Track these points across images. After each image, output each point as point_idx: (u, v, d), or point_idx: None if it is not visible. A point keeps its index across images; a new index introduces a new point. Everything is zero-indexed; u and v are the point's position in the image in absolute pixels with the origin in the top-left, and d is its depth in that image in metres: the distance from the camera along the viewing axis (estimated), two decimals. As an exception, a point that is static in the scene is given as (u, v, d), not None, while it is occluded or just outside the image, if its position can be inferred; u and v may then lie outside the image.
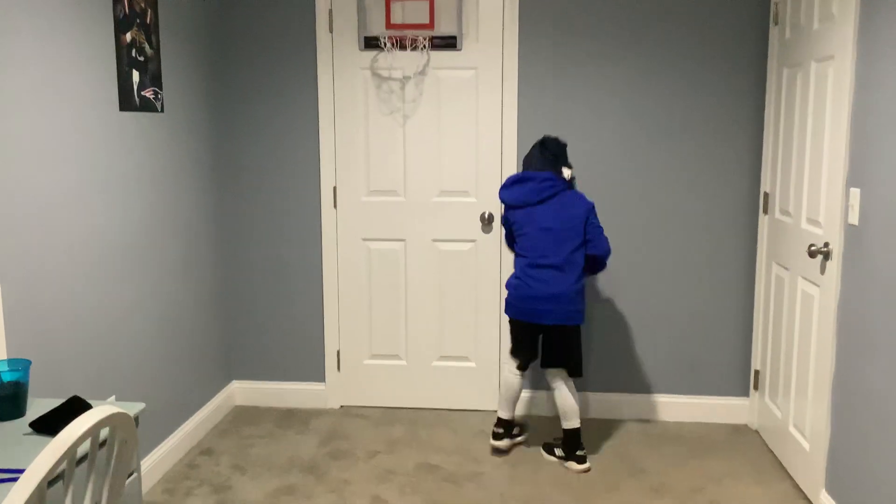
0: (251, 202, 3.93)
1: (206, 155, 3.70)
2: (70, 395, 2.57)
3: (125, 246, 2.96)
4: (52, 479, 1.55)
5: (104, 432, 1.62)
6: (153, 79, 3.13)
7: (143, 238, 3.09)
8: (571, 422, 3.28)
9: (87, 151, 2.69)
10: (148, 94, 3.09)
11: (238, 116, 3.87)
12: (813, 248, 2.88)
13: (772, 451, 3.48)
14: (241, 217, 3.94)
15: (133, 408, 1.83)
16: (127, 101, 2.93)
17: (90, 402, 1.89)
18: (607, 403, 3.87)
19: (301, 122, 3.84)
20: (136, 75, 2.98)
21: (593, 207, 3.25)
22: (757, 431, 3.71)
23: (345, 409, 4.00)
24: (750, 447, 3.55)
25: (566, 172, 3.29)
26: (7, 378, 1.82)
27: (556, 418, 3.77)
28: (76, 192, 2.63)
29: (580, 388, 3.84)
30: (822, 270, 2.88)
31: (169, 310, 3.33)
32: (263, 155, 3.89)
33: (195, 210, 3.58)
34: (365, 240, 3.92)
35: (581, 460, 3.27)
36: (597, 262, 3.27)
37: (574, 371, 3.30)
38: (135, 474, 1.88)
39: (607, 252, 3.23)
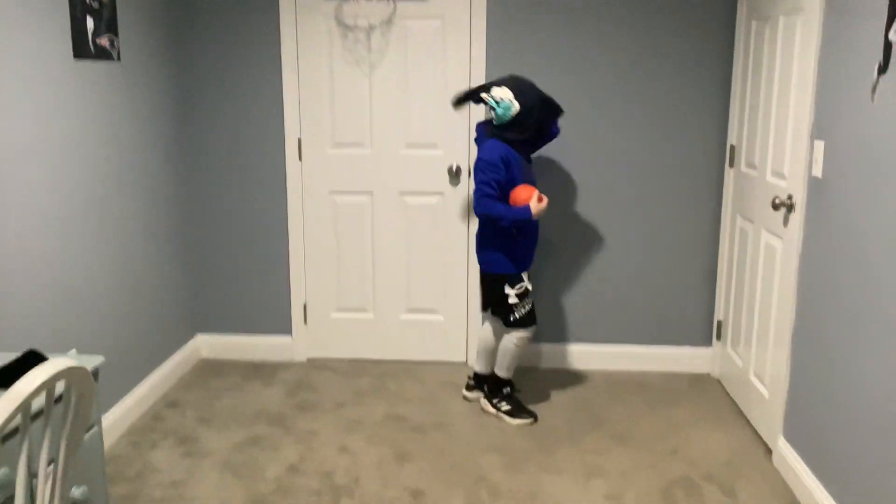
0: (214, 153, 3.85)
1: (167, 105, 3.60)
2: (28, 348, 2.53)
3: (84, 197, 2.88)
4: (7, 435, 1.53)
5: (60, 386, 1.60)
6: (109, 26, 3.02)
7: (103, 188, 3.02)
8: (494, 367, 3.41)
9: (41, 102, 2.60)
10: (103, 42, 2.98)
11: (199, 65, 3.76)
12: (777, 200, 2.90)
13: (733, 400, 3.56)
14: (204, 168, 3.87)
15: (91, 361, 1.80)
16: (81, 50, 2.83)
17: (48, 355, 1.85)
18: (572, 354, 3.92)
19: (264, 72, 3.75)
20: (90, 22, 2.87)
21: (481, 162, 3.09)
22: (719, 380, 3.79)
23: (312, 362, 4.00)
24: (712, 396, 3.63)
25: (496, 103, 3.08)
26: (-40, 332, 1.78)
27: (540, 370, 3.82)
28: (33, 144, 2.55)
29: (541, 339, 3.88)
30: (786, 223, 2.91)
31: (131, 262, 3.27)
32: (226, 105, 3.79)
33: (157, 161, 3.50)
34: (331, 193, 3.87)
35: (493, 405, 3.39)
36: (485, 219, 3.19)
37: (505, 321, 3.27)
38: (95, 428, 1.86)
39: (480, 213, 3.11)
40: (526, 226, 3.14)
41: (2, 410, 1.15)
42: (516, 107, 3.05)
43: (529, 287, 3.23)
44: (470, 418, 3.36)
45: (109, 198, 3.07)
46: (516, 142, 3.14)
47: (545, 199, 3.10)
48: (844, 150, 2.46)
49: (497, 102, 3.06)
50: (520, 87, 3.10)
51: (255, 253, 3.94)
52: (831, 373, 2.53)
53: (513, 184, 3.10)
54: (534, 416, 3.32)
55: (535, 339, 3.82)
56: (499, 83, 3.11)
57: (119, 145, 3.14)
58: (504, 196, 3.11)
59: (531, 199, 3.07)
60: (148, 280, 3.44)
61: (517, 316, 3.21)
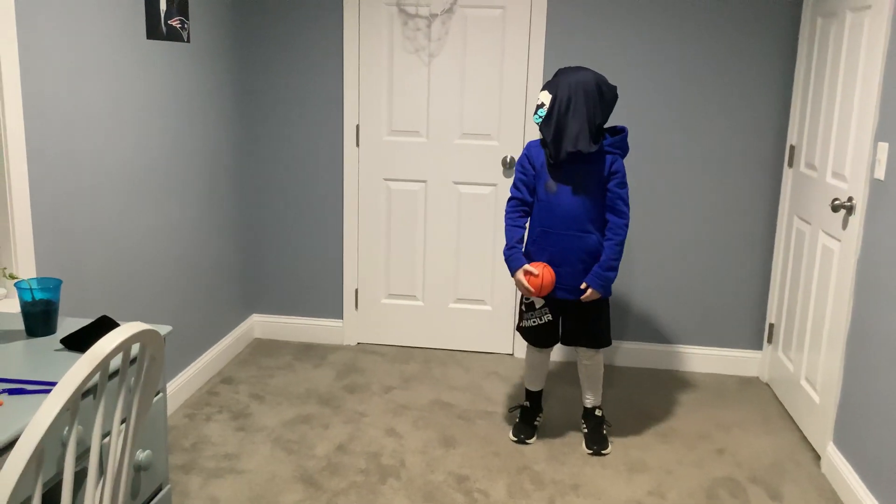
0: (274, 136, 3.94)
1: (231, 87, 3.70)
2: (96, 316, 2.64)
3: (150, 172, 2.99)
4: (84, 392, 1.61)
5: (135, 348, 1.68)
6: (180, 8, 3.12)
7: (168, 165, 3.12)
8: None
9: (114, 78, 2.70)
10: (174, 23, 3.08)
11: (263, 49, 3.85)
12: (836, 202, 2.86)
13: (781, 404, 3.52)
14: (263, 151, 3.96)
15: (161, 329, 1.88)
16: (154, 30, 2.93)
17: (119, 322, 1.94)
18: (622, 352, 3.91)
19: (325, 57, 3.82)
20: (163, 4, 2.97)
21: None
22: (768, 384, 3.75)
23: (361, 346, 4.08)
24: (760, 399, 3.59)
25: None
26: (39, 296, 1.87)
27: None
28: (103, 118, 2.65)
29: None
30: (844, 225, 2.87)
31: (192, 239, 3.38)
32: (287, 89, 3.88)
33: (219, 141, 3.60)
34: (386, 179, 3.93)
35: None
36: None
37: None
38: (160, 394, 1.94)
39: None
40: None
41: (84, 367, 1.22)
42: (546, 106, 2.79)
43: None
44: (515, 408, 3.40)
45: (173, 174, 3.18)
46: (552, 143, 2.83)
47: (531, 280, 2.83)
48: (910, 152, 2.41)
49: (537, 108, 2.84)
50: (557, 80, 2.81)
51: (310, 236, 4.03)
52: (884, 380, 2.49)
53: (540, 184, 2.91)
54: (520, 437, 3.10)
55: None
56: (549, 82, 2.85)
57: (184, 122, 3.25)
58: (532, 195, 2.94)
59: (531, 270, 2.85)
60: (208, 258, 3.55)
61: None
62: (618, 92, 2.88)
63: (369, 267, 4.04)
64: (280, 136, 3.93)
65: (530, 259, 2.92)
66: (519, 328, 3.11)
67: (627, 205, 2.90)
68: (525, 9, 3.66)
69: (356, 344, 4.11)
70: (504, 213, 3.00)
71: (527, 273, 2.86)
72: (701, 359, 3.88)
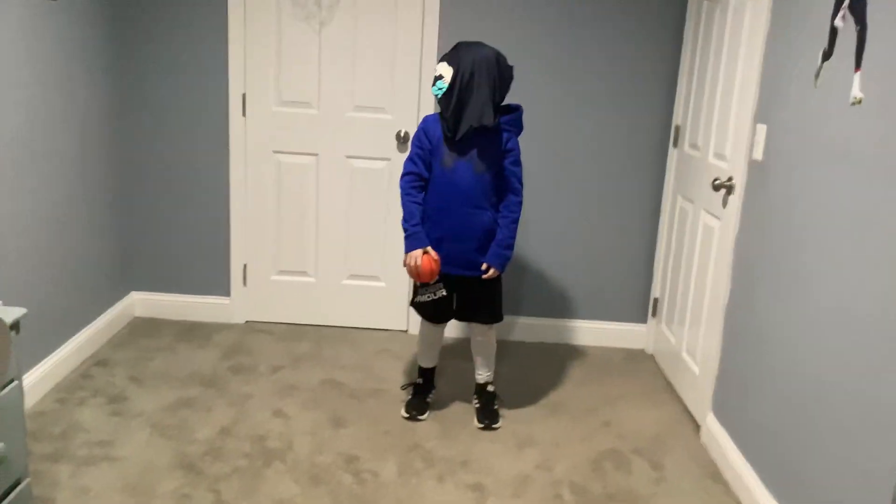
0: (154, 103, 3.71)
1: (105, 50, 3.46)
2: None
3: (14, 141, 2.75)
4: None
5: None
6: (44, -38, 2.87)
7: (32, 129, 2.88)
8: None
9: (-35, 37, 2.46)
10: (37, -22, 2.83)
11: (141, 9, 3.61)
12: (717, 181, 2.95)
13: (665, 376, 3.64)
14: (142, 119, 3.73)
15: (13, 313, 1.73)
16: (13, -15, 2.68)
17: (-34, 305, 1.77)
18: (511, 326, 3.95)
19: (209, 20, 3.62)
20: (23, -44, 2.72)
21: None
22: (653, 356, 3.87)
23: (249, 325, 3.94)
24: (645, 371, 3.70)
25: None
26: None
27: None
28: (-47, 81, 2.41)
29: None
30: (724, 204, 2.96)
31: (62, 211, 3.15)
32: (167, 54, 3.66)
33: (91, 107, 3.36)
34: (276, 152, 3.79)
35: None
36: None
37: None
38: (14, 382, 1.79)
39: (401, 188, 2.95)
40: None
41: None
42: (446, 79, 2.75)
43: None
44: (407, 386, 3.37)
45: (39, 140, 2.94)
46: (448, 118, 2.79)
47: (418, 265, 2.80)
48: (785, 134, 2.50)
49: (435, 79, 2.82)
50: (457, 53, 2.77)
51: (194, 210, 3.84)
52: (760, 353, 2.60)
53: (436, 160, 2.86)
54: (412, 414, 3.08)
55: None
56: (447, 55, 2.80)
57: (52, 87, 3.00)
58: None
59: (421, 255, 2.80)
60: (79, 231, 3.32)
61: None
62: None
63: (258, 242, 3.89)
64: (159, 104, 3.71)
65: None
66: (413, 303, 3.07)
67: (521, 183, 2.89)
68: (419, -21, 3.58)
69: (244, 322, 3.97)
70: (399, 187, 2.93)
71: (426, 253, 2.82)
72: (590, 332, 3.97)
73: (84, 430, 2.82)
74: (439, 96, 2.79)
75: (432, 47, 3.62)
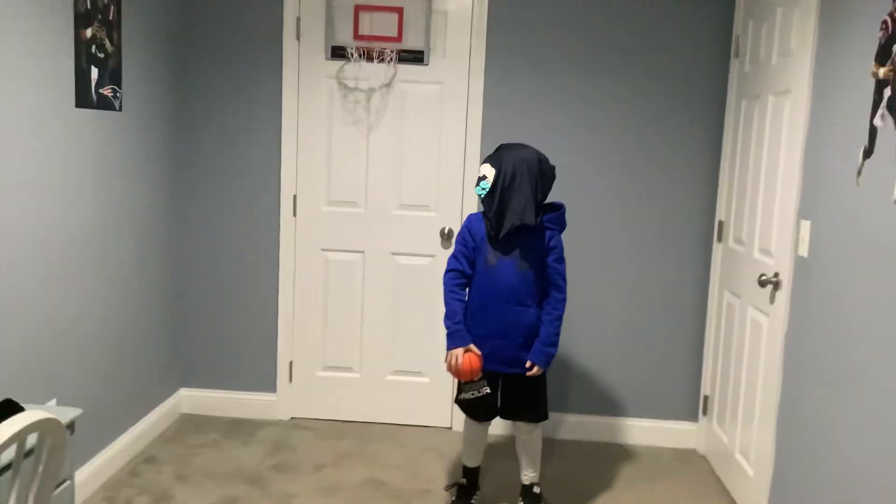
0: (208, 206, 3.87)
1: (164, 156, 3.64)
2: (5, 396, 2.49)
3: (75, 244, 2.88)
4: (-24, 486, 1.49)
5: (32, 438, 1.57)
6: (113, 76, 3.07)
7: (94, 237, 3.02)
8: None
9: (39, 147, 2.62)
10: (106, 91, 3.03)
11: (199, 119, 3.81)
12: (763, 277, 2.92)
13: (718, 477, 3.51)
14: (197, 221, 3.88)
15: (68, 413, 1.78)
16: (84, 99, 2.87)
17: (25, 405, 1.83)
18: (559, 424, 3.88)
19: (263, 127, 3.80)
20: (94, 72, 2.92)
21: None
22: (704, 456, 3.75)
23: (294, 421, 3.95)
24: (697, 472, 3.58)
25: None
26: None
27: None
28: (26, 187, 2.56)
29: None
30: (772, 300, 2.92)
31: (117, 311, 3.25)
32: (223, 159, 3.83)
33: (150, 211, 3.51)
34: (323, 250, 3.88)
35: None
36: None
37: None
38: (67, 482, 1.82)
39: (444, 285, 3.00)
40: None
41: (-30, 463, 1.13)
42: (489, 179, 2.83)
43: None
44: (451, 485, 3.31)
45: (99, 245, 3.07)
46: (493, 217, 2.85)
47: (458, 364, 2.81)
48: (830, 230, 2.49)
49: (479, 180, 2.88)
50: (500, 154, 2.85)
51: (243, 307, 3.93)
52: (816, 452, 2.50)
53: (480, 257, 2.90)
54: None
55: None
56: (490, 156, 2.90)
57: (113, 193, 3.16)
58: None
59: (462, 354, 2.81)
60: (134, 330, 3.42)
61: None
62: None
63: (305, 338, 3.94)
64: (215, 206, 3.86)
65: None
66: (457, 401, 3.05)
67: (565, 280, 2.91)
68: (462, 86, 3.72)
69: (290, 419, 3.97)
70: (443, 284, 2.97)
71: (468, 351, 2.82)
72: (639, 430, 3.87)
73: (129, 529, 2.82)
74: (483, 196, 2.86)
75: (475, 147, 3.73)
